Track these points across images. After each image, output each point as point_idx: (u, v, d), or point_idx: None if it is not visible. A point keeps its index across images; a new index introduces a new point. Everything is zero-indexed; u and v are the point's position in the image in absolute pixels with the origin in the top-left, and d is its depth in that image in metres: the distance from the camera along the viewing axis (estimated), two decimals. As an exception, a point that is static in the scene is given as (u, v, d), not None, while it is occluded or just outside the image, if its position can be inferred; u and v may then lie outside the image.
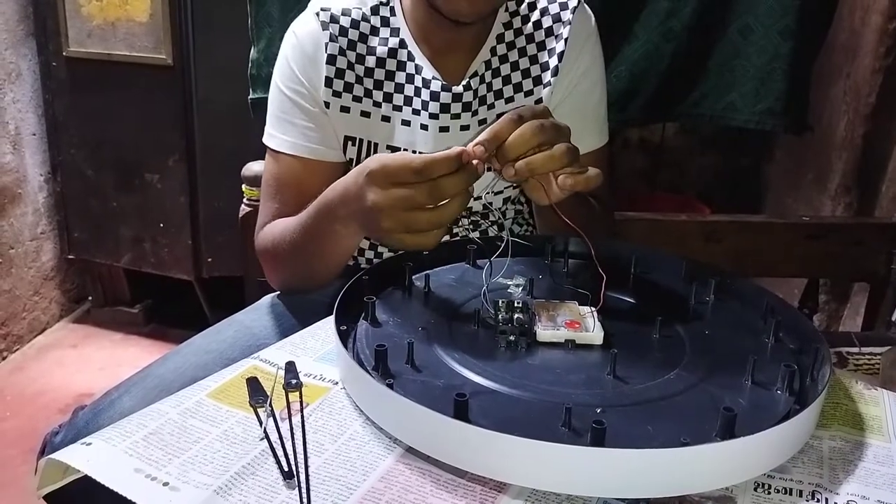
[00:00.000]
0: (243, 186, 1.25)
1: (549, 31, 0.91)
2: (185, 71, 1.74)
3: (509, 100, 0.91)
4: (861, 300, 1.46)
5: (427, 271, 0.77)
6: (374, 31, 0.89)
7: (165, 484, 0.49)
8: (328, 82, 0.87)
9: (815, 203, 1.72)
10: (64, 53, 1.80)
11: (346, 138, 0.90)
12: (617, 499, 0.50)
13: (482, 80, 0.90)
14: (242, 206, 1.25)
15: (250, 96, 1.43)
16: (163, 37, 1.71)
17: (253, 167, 1.21)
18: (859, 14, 1.56)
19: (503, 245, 0.71)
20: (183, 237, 1.87)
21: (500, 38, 0.91)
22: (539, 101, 0.91)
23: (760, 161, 2.16)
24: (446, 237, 0.95)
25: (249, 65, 1.42)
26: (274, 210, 0.90)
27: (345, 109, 0.89)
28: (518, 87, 0.92)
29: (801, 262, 1.30)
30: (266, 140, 0.91)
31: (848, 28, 1.58)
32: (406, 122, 0.89)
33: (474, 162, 0.64)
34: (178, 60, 1.72)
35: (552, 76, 0.91)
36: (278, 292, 0.95)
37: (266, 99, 0.94)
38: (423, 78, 0.89)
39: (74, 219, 1.97)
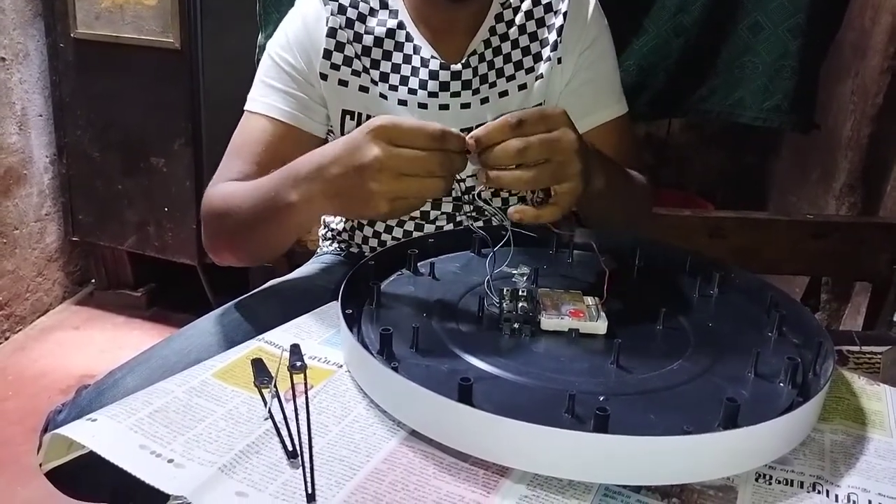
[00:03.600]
0: (249, 171, 1.25)
1: (549, 7, 0.92)
2: (192, 55, 1.73)
3: (511, 77, 0.92)
4: (862, 300, 1.46)
5: (432, 259, 0.77)
6: (373, 12, 0.90)
7: (170, 461, 0.50)
8: (327, 55, 0.88)
9: (820, 202, 1.72)
10: (72, 35, 1.80)
11: (345, 112, 0.90)
12: (619, 485, 0.50)
13: (482, 59, 0.90)
14: (248, 190, 1.25)
15: (257, 81, 1.43)
16: (171, 20, 1.71)
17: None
18: (869, 13, 1.55)
19: (505, 237, 0.71)
20: (187, 221, 1.88)
21: (498, 18, 0.91)
22: (540, 76, 0.91)
23: (766, 159, 2.15)
24: (450, 225, 0.96)
25: (257, 50, 1.42)
26: (235, 168, 0.86)
27: (343, 83, 0.89)
28: (519, 65, 0.92)
29: (805, 260, 1.30)
30: (248, 104, 0.90)
31: (857, 27, 1.58)
32: (402, 102, 0.90)
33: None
34: (186, 44, 1.72)
35: (552, 51, 0.91)
36: (282, 278, 0.96)
37: None
38: (421, 57, 0.89)
39: (79, 201, 1.97)
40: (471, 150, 0.64)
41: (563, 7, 0.91)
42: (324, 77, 0.88)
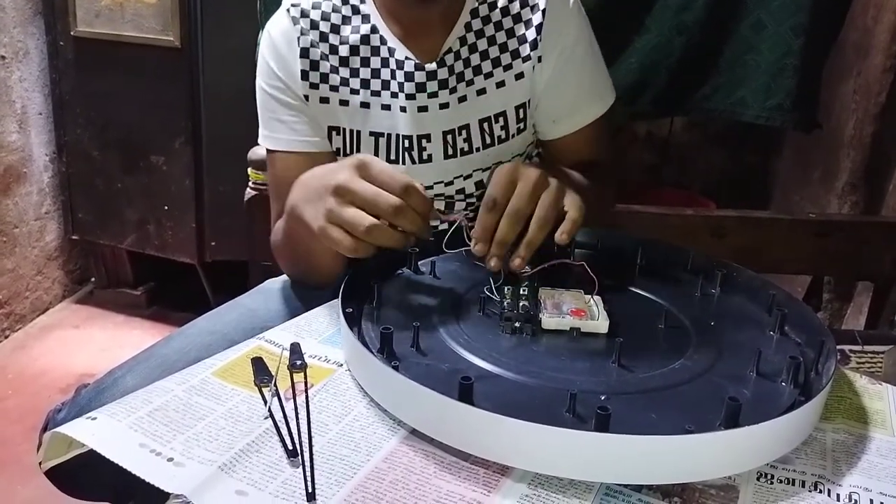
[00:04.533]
0: (249, 170, 1.25)
1: (525, 3, 0.89)
2: (192, 53, 1.73)
3: (489, 75, 0.89)
4: (865, 300, 1.46)
5: (433, 257, 0.77)
6: (346, 20, 0.88)
7: (170, 459, 0.49)
8: (304, 75, 0.87)
9: (822, 201, 1.71)
10: (72, 33, 1.80)
11: (330, 128, 0.90)
12: (620, 484, 0.50)
13: (458, 57, 0.88)
14: (248, 189, 1.25)
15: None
16: (171, 19, 1.71)
17: (259, 151, 1.21)
18: (872, 12, 1.55)
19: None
20: (187, 220, 1.87)
21: (474, 14, 0.89)
22: (520, 75, 0.90)
23: (768, 158, 2.15)
24: (444, 226, 0.95)
25: (258, 48, 1.41)
26: (276, 207, 0.89)
27: (324, 100, 0.88)
28: (496, 62, 0.90)
29: (807, 260, 1.30)
30: (261, 141, 0.92)
31: (860, 26, 1.58)
32: (386, 107, 0.89)
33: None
34: (186, 43, 1.72)
35: (531, 49, 0.89)
36: (282, 277, 0.95)
37: None
38: (396, 60, 0.87)
39: (79, 199, 1.97)
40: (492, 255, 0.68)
41: (542, 4, 0.88)
42: (305, 98, 0.87)
